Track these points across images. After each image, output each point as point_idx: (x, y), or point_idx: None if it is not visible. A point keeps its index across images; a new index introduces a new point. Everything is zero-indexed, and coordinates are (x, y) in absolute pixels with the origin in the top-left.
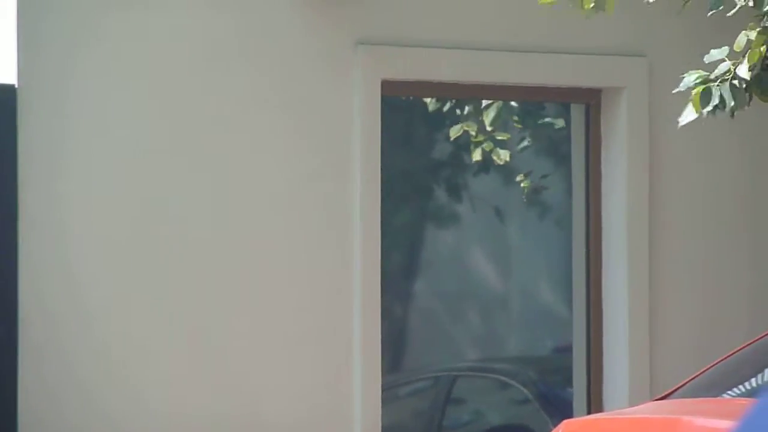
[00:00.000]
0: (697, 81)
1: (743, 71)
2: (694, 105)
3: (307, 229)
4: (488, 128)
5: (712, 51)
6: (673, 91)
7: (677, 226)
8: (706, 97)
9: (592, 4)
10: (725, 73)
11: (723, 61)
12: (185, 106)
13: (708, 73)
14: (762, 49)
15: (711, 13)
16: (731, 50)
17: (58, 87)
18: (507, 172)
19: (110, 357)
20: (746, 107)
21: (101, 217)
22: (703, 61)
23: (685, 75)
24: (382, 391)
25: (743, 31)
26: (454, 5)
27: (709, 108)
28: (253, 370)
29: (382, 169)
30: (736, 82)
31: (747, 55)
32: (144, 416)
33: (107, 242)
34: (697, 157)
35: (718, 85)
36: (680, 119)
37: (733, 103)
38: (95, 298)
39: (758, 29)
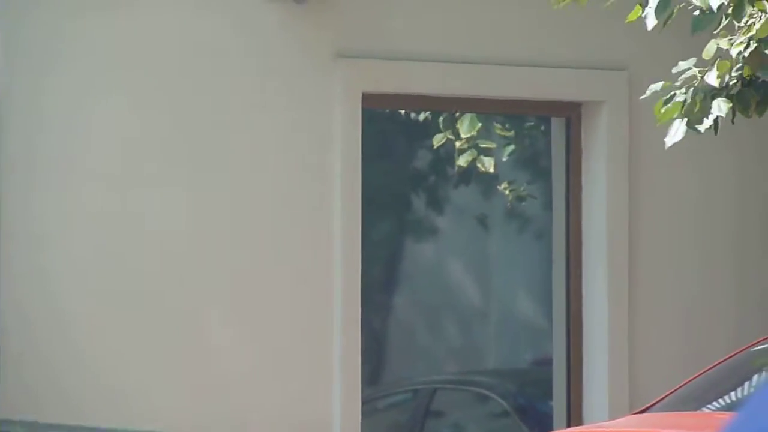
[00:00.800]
0: (664, 89)
1: (712, 79)
2: (657, 114)
3: (287, 241)
4: (463, 136)
5: (679, 63)
6: (641, 97)
7: (658, 239)
8: (680, 108)
9: None
10: (690, 79)
11: (689, 69)
12: (164, 117)
13: (679, 85)
14: (734, 58)
15: (695, 33)
16: (700, 59)
17: (37, 97)
18: (487, 183)
19: (91, 365)
20: (730, 120)
21: (80, 227)
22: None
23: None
24: (362, 403)
25: (712, 40)
26: (434, 19)
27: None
28: (233, 382)
29: (362, 180)
30: (717, 98)
31: (716, 63)
32: (125, 423)
33: (86, 251)
34: (678, 170)
35: (683, 92)
36: (666, 139)
37: (696, 109)
38: (75, 307)
39: (729, 38)
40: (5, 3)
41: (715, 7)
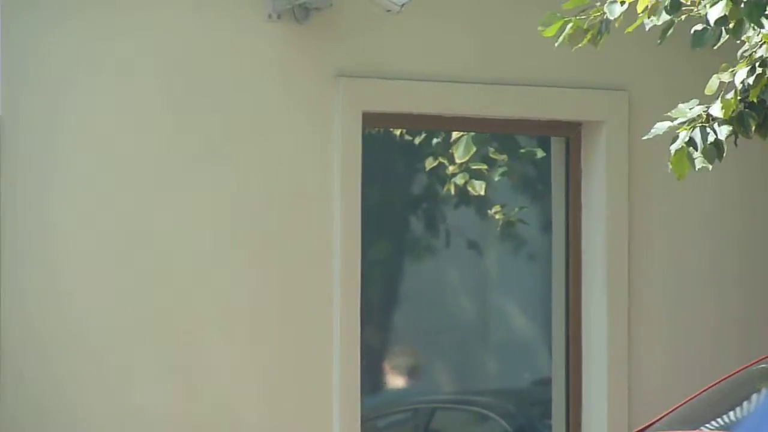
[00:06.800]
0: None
1: (716, 110)
2: (674, 167)
3: (287, 259)
4: (458, 161)
5: (680, 105)
6: (643, 138)
7: (657, 260)
8: (683, 156)
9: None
10: (698, 118)
11: (692, 109)
12: (167, 138)
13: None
14: (738, 89)
15: (695, 48)
16: (703, 96)
17: (41, 116)
18: (485, 205)
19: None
20: (734, 143)
21: (85, 244)
22: (683, 98)
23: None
24: (362, 422)
25: (715, 75)
26: (434, 38)
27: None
28: (232, 401)
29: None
30: (712, 132)
31: (721, 100)
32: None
33: (91, 273)
34: (678, 192)
35: (688, 131)
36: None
37: (702, 145)
38: (83, 318)
39: (731, 70)
40: None
41: (712, 21)
